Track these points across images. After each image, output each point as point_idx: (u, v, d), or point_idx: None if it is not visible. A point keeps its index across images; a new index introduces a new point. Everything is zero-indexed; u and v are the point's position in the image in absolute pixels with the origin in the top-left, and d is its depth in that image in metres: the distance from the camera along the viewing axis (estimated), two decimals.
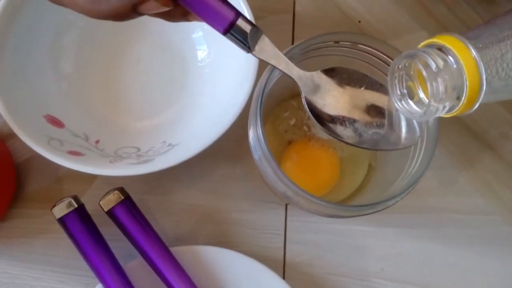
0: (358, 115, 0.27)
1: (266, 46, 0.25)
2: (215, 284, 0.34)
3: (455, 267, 0.36)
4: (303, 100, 0.27)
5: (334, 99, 0.27)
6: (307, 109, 0.27)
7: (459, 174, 0.38)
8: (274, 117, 0.36)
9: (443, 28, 0.40)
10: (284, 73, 0.26)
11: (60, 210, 0.31)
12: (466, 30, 0.24)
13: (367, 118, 0.27)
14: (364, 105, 0.27)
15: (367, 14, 0.40)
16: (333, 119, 0.27)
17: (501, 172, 0.38)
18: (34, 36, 0.34)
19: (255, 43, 0.25)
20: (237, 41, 0.25)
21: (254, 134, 0.28)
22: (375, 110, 0.27)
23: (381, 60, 0.30)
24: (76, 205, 0.31)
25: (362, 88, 0.27)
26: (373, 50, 0.30)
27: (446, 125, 0.38)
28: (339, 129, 0.27)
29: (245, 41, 0.24)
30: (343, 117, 0.27)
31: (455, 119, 0.39)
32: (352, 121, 0.27)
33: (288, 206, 0.37)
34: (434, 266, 0.37)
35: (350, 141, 0.27)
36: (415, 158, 0.29)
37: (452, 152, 0.38)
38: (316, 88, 0.27)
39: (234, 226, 0.37)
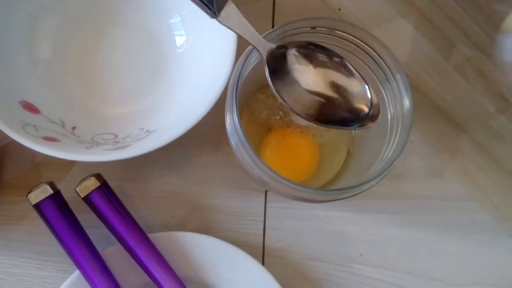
0: (321, 91, 0.27)
1: (232, 13, 0.24)
2: (193, 270, 0.34)
3: (433, 253, 0.37)
4: (266, 73, 0.26)
5: (298, 74, 0.27)
6: (270, 81, 0.26)
7: (436, 160, 0.38)
8: (252, 103, 0.36)
9: (424, 18, 0.40)
10: (249, 42, 0.26)
11: (36, 196, 0.30)
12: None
13: (330, 95, 0.27)
14: (327, 82, 0.27)
15: (347, 2, 0.40)
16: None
17: (477, 158, 0.38)
18: (9, 21, 0.33)
19: (221, 8, 0.23)
20: (201, 3, 0.23)
21: (231, 120, 0.28)
22: (336, 88, 0.27)
23: (358, 46, 0.30)
24: (52, 191, 0.31)
25: (327, 66, 0.27)
26: (350, 37, 0.30)
27: (422, 110, 0.38)
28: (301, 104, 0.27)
29: (210, 5, 0.23)
30: (307, 91, 0.27)
31: (431, 105, 0.39)
32: (316, 97, 0.27)
33: (268, 193, 0.37)
34: (413, 251, 0.37)
35: (310, 118, 0.27)
36: (391, 143, 0.30)
37: (428, 138, 0.38)
38: (281, 62, 0.26)
39: (214, 212, 0.37)
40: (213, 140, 0.38)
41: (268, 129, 0.36)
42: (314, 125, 0.35)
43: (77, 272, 0.32)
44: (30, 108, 0.33)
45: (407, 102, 0.29)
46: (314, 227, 0.37)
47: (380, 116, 0.29)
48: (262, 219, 0.37)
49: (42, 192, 0.30)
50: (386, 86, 0.30)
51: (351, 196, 0.28)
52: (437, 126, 0.39)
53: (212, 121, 0.32)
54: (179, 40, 0.37)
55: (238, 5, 0.32)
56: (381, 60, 0.30)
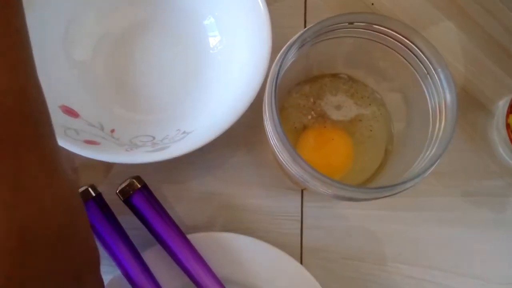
0: None
1: None
2: (232, 270, 0.34)
3: (474, 250, 0.36)
4: None
5: None
6: None
7: (477, 156, 0.37)
8: (286, 103, 0.35)
9: (465, 15, 0.39)
10: None
11: None
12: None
13: None
14: None
15: None
16: None
17: None
18: (47, 26, 0.34)
19: None
20: None
21: (270, 118, 0.28)
22: None
23: (396, 40, 0.30)
24: (93, 194, 0.31)
25: None
26: (389, 31, 0.30)
27: (463, 105, 0.37)
28: None
29: None
30: None
31: (473, 100, 0.38)
32: None
33: (304, 192, 0.37)
34: (453, 249, 0.36)
35: None
36: (433, 140, 0.29)
37: (468, 134, 0.38)
38: None
39: (250, 212, 0.37)
40: (248, 141, 0.38)
41: (301, 129, 0.36)
42: (352, 122, 0.34)
43: (118, 273, 0.32)
44: (70, 112, 0.33)
45: (449, 97, 0.28)
46: (351, 226, 0.37)
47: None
48: (299, 218, 0.37)
49: (84, 195, 0.31)
50: (427, 81, 0.30)
51: (394, 194, 0.28)
52: (476, 120, 0.38)
53: (246, 121, 0.32)
54: (213, 41, 0.37)
55: (269, 4, 0.32)
56: (421, 54, 0.29)
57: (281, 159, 0.28)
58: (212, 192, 0.37)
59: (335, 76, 0.36)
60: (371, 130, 0.35)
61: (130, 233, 0.33)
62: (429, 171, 0.27)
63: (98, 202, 0.31)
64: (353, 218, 0.37)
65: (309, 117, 0.35)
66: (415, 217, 0.37)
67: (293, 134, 0.35)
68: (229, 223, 0.37)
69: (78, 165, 0.37)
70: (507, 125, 0.35)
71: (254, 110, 0.31)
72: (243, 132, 0.37)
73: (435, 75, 0.29)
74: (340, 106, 0.35)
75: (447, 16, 0.39)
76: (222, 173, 0.37)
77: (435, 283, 0.36)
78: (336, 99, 0.35)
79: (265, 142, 0.29)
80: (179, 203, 0.37)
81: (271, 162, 0.37)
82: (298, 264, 0.34)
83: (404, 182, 0.27)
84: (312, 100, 0.35)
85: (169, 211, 0.33)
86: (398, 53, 0.30)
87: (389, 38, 0.30)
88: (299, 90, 0.35)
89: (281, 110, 0.35)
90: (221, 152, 0.37)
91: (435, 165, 0.27)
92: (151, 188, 0.33)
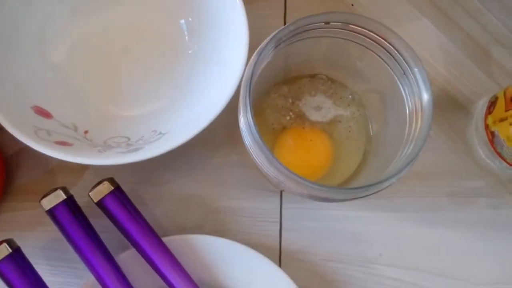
0: None
1: None
2: (209, 273, 0.33)
3: (455, 251, 0.36)
4: None
5: None
6: None
7: (456, 156, 0.37)
8: (263, 104, 0.35)
9: (444, 16, 0.39)
10: None
11: (49, 201, 0.30)
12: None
13: None
14: None
15: None
16: None
17: None
18: (20, 25, 0.33)
19: None
20: None
21: (244, 119, 0.28)
22: None
23: (373, 40, 0.30)
24: (65, 196, 0.30)
25: None
26: (365, 30, 0.29)
27: (438, 105, 0.37)
28: None
29: None
30: None
31: (452, 101, 0.38)
32: None
33: (283, 194, 0.37)
34: (434, 250, 0.36)
35: None
36: (410, 139, 0.29)
37: (447, 134, 0.37)
38: None
39: (229, 214, 0.36)
40: (227, 141, 0.37)
41: (280, 130, 0.35)
42: (331, 123, 0.34)
43: (92, 278, 0.32)
44: (43, 113, 0.32)
45: (426, 96, 0.28)
46: (331, 228, 0.36)
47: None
48: (278, 220, 0.36)
49: (55, 198, 0.30)
50: (404, 80, 0.30)
51: (371, 194, 0.28)
52: (456, 121, 0.38)
53: (225, 121, 0.31)
54: (190, 41, 0.37)
55: (247, 3, 0.32)
56: (398, 54, 0.29)
57: (257, 160, 0.28)
58: (190, 193, 0.36)
59: (313, 76, 0.35)
60: (349, 131, 0.35)
61: (104, 236, 0.32)
62: (405, 171, 0.27)
63: (70, 204, 0.31)
64: (333, 219, 0.36)
65: (288, 118, 0.35)
66: (395, 218, 0.37)
67: (272, 135, 0.35)
68: (206, 225, 0.36)
69: (52, 167, 0.36)
70: (486, 126, 0.35)
71: (232, 110, 0.31)
72: (222, 133, 0.37)
73: (412, 75, 0.29)
74: (319, 107, 0.35)
75: (426, 16, 0.39)
76: (200, 174, 0.37)
77: (416, 285, 0.36)
78: (315, 99, 0.35)
79: None
80: (156, 205, 0.36)
81: (250, 163, 0.37)
82: (276, 266, 0.33)
83: (380, 182, 0.27)
84: (290, 100, 0.35)
85: (145, 214, 0.33)
86: (375, 53, 0.30)
87: (365, 37, 0.30)
88: (277, 90, 0.35)
89: (259, 111, 0.35)
90: (199, 153, 0.37)
91: (410, 164, 0.27)
92: (127, 190, 0.33)
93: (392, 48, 0.29)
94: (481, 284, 0.36)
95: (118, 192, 0.31)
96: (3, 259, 0.29)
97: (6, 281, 0.29)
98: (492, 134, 0.34)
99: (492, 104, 0.35)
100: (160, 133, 0.33)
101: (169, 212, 0.36)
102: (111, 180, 0.31)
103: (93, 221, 0.32)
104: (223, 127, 0.35)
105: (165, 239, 0.32)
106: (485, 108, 0.36)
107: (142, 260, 0.32)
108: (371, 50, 0.30)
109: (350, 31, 0.30)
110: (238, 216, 0.36)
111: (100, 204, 0.31)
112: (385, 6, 0.39)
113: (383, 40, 0.29)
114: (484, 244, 0.36)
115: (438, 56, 0.38)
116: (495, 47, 0.39)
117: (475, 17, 0.39)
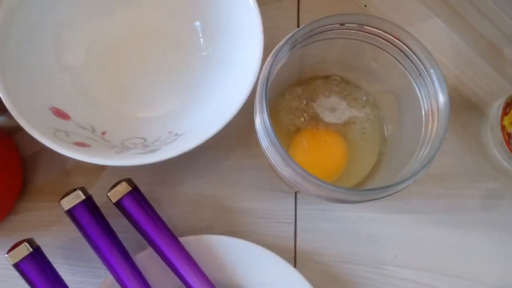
0: None
1: None
2: (225, 273, 0.33)
3: (470, 253, 0.36)
4: None
5: None
6: None
7: (472, 159, 0.37)
8: (278, 105, 0.35)
9: (457, 15, 0.39)
10: None
11: (68, 202, 0.31)
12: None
13: None
14: None
15: None
16: None
17: None
18: (37, 29, 0.34)
19: None
20: None
21: (261, 121, 0.28)
22: None
23: (389, 42, 0.30)
24: (84, 197, 0.31)
25: None
26: (380, 32, 0.29)
27: (454, 107, 0.37)
28: None
29: None
30: None
31: (466, 102, 0.38)
32: None
33: (298, 195, 0.37)
34: (449, 252, 0.36)
35: None
36: (426, 141, 0.29)
37: (462, 136, 0.37)
38: None
39: (244, 215, 0.36)
40: (241, 143, 0.37)
41: (294, 131, 0.35)
42: (345, 124, 0.34)
43: (110, 277, 0.32)
44: (61, 114, 0.33)
45: (442, 97, 0.28)
46: (346, 229, 0.36)
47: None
48: (293, 221, 0.36)
49: (74, 198, 0.31)
50: (419, 82, 0.30)
51: (386, 196, 0.28)
52: (469, 121, 0.37)
53: (239, 123, 0.31)
54: (204, 43, 0.37)
55: (261, 5, 0.32)
56: (413, 55, 0.29)
57: (273, 161, 0.28)
58: (205, 194, 0.37)
59: (328, 78, 0.35)
60: (364, 133, 0.35)
61: (122, 236, 0.32)
62: (421, 173, 0.27)
63: (89, 204, 0.31)
64: (348, 221, 0.36)
65: (302, 119, 0.35)
66: (411, 220, 0.36)
67: (286, 137, 0.35)
68: (222, 226, 0.36)
69: (69, 168, 0.37)
70: (502, 127, 0.35)
71: (248, 111, 0.31)
72: (237, 134, 0.37)
73: (427, 76, 0.29)
74: (333, 108, 0.35)
75: (439, 16, 0.39)
76: (215, 176, 0.37)
77: (432, 286, 0.35)
78: (329, 101, 0.35)
79: (259, 144, 0.29)
80: (171, 205, 0.37)
81: (265, 165, 0.37)
82: (292, 267, 0.33)
83: (396, 184, 0.27)
84: (305, 102, 0.35)
85: (162, 214, 0.33)
86: (389, 54, 0.30)
87: (380, 39, 0.30)
88: (291, 92, 0.35)
89: (274, 112, 0.35)
90: (214, 154, 0.37)
91: (427, 166, 0.27)
92: (143, 190, 0.33)
93: (408, 49, 0.29)
94: (496, 286, 0.35)
95: (135, 192, 0.32)
96: (24, 258, 0.30)
97: (27, 279, 0.30)
98: (509, 135, 0.34)
99: (508, 105, 0.35)
100: (176, 134, 0.33)
101: (184, 213, 0.37)
102: (129, 181, 0.32)
103: (111, 221, 0.32)
104: (236, 129, 0.35)
105: (181, 239, 0.33)
106: (501, 109, 0.36)
107: (159, 259, 0.32)
108: (386, 51, 0.30)
109: (365, 32, 0.30)
110: (252, 217, 0.36)
111: (118, 204, 0.31)
112: (398, 6, 0.39)
113: (398, 41, 0.29)
114: (500, 246, 0.36)
115: (450, 55, 0.38)
116: (508, 46, 0.38)
117: (487, 16, 0.39)
